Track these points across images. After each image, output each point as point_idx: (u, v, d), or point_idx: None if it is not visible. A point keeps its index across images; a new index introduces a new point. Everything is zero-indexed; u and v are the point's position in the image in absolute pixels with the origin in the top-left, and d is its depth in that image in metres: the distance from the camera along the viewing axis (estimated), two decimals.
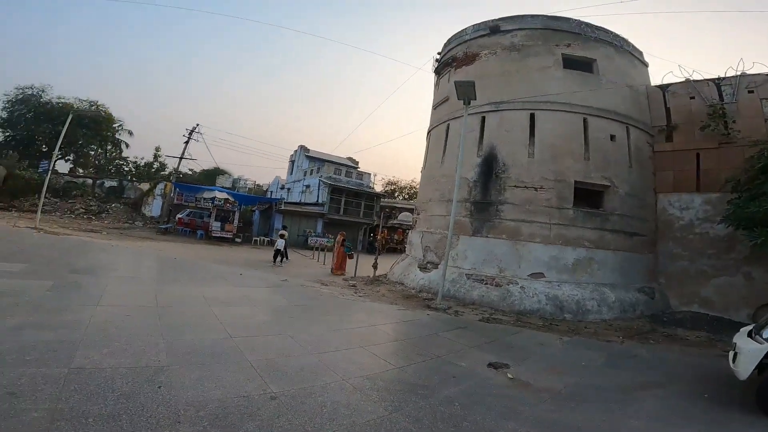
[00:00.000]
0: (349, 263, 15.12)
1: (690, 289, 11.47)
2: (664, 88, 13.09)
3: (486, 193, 11.87)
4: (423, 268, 12.76)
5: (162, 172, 41.48)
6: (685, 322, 10.24)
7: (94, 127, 37.60)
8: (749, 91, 11.54)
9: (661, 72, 57.28)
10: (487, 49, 13.47)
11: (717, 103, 11.85)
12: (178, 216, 28.28)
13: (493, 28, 13.47)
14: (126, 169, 43.44)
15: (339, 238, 15.76)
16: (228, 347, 4.77)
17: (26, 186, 29.63)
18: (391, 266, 16.09)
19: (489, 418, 3.70)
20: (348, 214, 30.65)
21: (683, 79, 12.76)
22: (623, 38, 13.19)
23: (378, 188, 39.81)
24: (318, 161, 34.19)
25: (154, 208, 32.23)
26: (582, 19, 12.81)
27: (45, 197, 30.15)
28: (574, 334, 8.54)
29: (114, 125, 40.75)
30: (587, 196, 11.52)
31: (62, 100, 36.26)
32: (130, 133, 42.11)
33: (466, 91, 10.22)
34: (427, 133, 16.25)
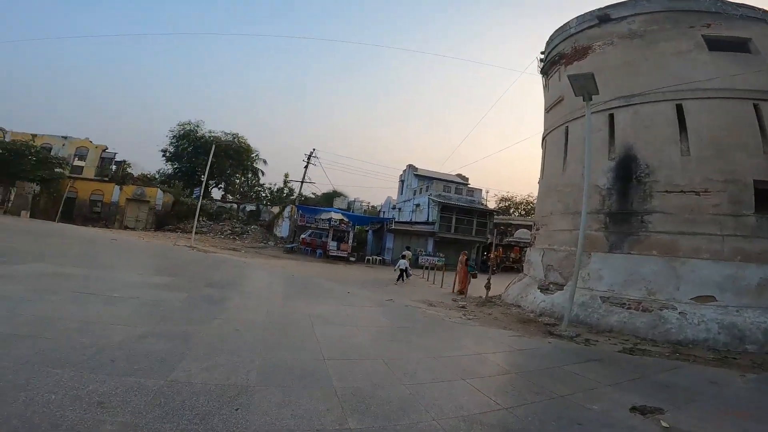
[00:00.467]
0: (447, 281, 14.16)
1: None
2: None
3: (625, 201, 9.85)
4: (544, 289, 11.10)
5: (291, 197, 46.45)
6: None
7: (237, 158, 44.10)
8: None
9: None
10: (600, 40, 11.68)
11: None
12: (302, 236, 31.04)
13: (601, 17, 11.73)
14: (263, 194, 49.89)
15: (462, 257, 15.32)
16: (318, 370, 4.47)
17: (189, 211, 35.97)
18: (507, 287, 14.57)
19: None
20: (459, 233, 29.55)
21: None
22: None
23: (491, 205, 37.81)
24: (426, 179, 34.08)
25: (283, 229, 36.03)
26: None
27: (201, 220, 36.46)
28: (762, 369, 6.40)
29: (252, 155, 47.22)
30: None
31: (212, 134, 43.22)
32: (265, 161, 48.42)
33: (585, 86, 8.66)
34: (542, 140, 14.60)
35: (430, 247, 28.66)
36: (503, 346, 6.99)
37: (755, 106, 9.16)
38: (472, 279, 14.29)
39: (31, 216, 26.47)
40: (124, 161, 39.83)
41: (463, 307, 11.61)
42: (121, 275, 9.17)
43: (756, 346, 7.58)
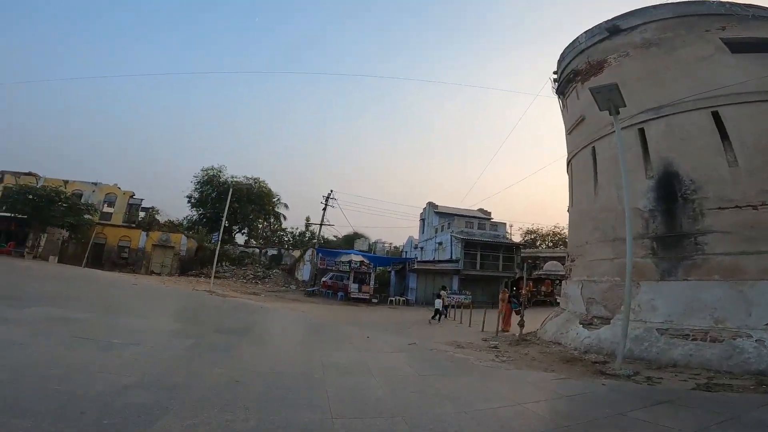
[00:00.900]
0: (475, 320, 12.97)
1: None
2: None
3: (672, 223, 8.87)
4: (587, 324, 9.90)
5: (313, 240, 46.22)
6: None
7: (258, 202, 44.29)
8: None
9: None
10: (614, 53, 11.25)
11: None
12: (323, 279, 30.38)
13: (611, 29, 11.40)
14: (285, 239, 49.78)
15: (503, 295, 15.00)
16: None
17: (212, 256, 36.24)
18: (542, 323, 13.27)
19: None
20: (485, 269, 28.25)
21: None
22: None
23: (516, 239, 36.38)
24: (448, 216, 33.35)
25: (304, 272, 35.53)
26: None
27: (224, 265, 36.58)
28: None
29: (273, 199, 47.48)
30: None
31: (235, 180, 43.26)
32: (286, 206, 48.53)
33: (610, 98, 8.02)
34: (567, 164, 13.84)
35: (455, 285, 27.37)
36: (548, 393, 5.92)
37: None
38: (516, 315, 13.12)
39: (59, 261, 27.03)
40: (153, 208, 41.03)
41: (495, 347, 10.46)
42: (128, 320, 8.69)
43: None
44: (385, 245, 58.49)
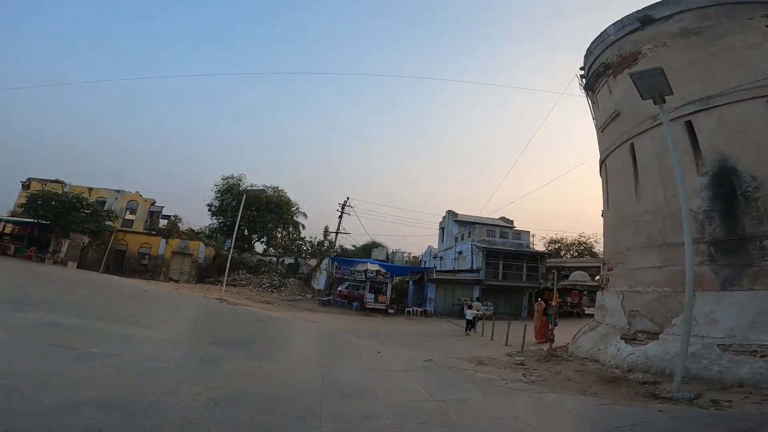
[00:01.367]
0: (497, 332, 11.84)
1: None
2: None
3: (733, 225, 7.69)
4: (630, 339, 8.69)
5: (330, 249, 45.63)
6: None
7: (277, 211, 44.03)
8: None
9: None
10: (649, 43, 10.28)
11: None
12: (339, 288, 29.59)
13: (643, 19, 10.48)
14: (304, 248, 49.42)
15: (539, 306, 14.58)
16: None
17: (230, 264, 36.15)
18: (574, 337, 12.02)
19: None
20: (507, 279, 26.81)
21: None
22: None
23: (539, 248, 34.69)
24: (468, 225, 32.12)
25: (320, 281, 34.89)
26: None
27: (241, 273, 36.48)
28: None
29: (292, 208, 47.06)
30: None
31: (254, 188, 42.16)
32: (305, 215, 48.25)
33: (654, 84, 6.98)
34: (600, 165, 12.71)
35: (476, 296, 26.03)
36: (593, 425, 4.85)
37: None
38: (550, 326, 12.05)
39: (78, 266, 27.23)
40: (175, 216, 41.45)
41: (521, 364, 9.35)
42: (120, 328, 8.05)
43: None
44: (404, 255, 57.42)
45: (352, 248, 44.55)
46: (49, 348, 5.62)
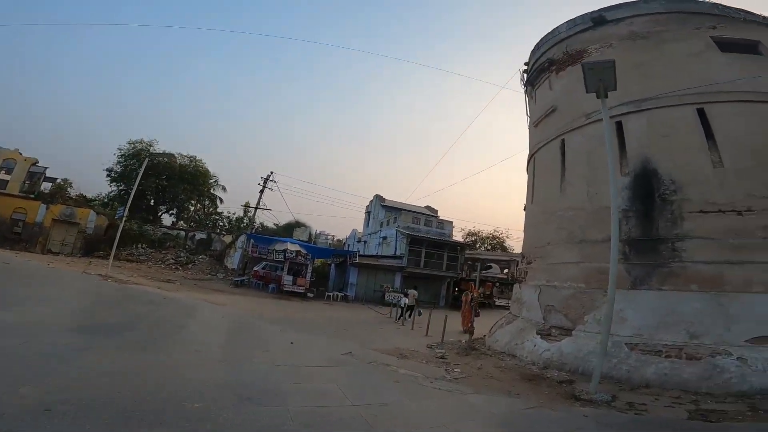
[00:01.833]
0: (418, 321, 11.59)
1: None
2: None
3: (649, 225, 7.95)
4: (546, 335, 8.77)
5: (250, 225, 42.70)
6: None
7: (192, 182, 39.64)
8: None
9: None
10: (596, 43, 10.47)
11: None
12: (255, 269, 27.49)
13: (596, 19, 10.69)
14: (221, 223, 45.64)
15: (466, 297, 14.28)
16: None
17: (125, 236, 31.61)
18: (491, 330, 12.15)
19: None
20: (429, 267, 27.19)
21: None
22: None
23: (457, 239, 36.00)
24: (394, 210, 31.96)
25: (235, 260, 32.26)
26: None
27: (141, 247, 32.33)
28: None
29: (210, 180, 42.77)
30: None
31: (161, 152, 38.69)
32: (224, 188, 44.39)
33: (603, 77, 6.84)
34: (529, 159, 12.88)
35: (397, 283, 26.01)
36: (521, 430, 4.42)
37: None
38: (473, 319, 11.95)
39: None
40: (64, 179, 35.11)
41: (442, 357, 9.02)
42: None
43: None
44: (328, 237, 56.07)
45: (274, 227, 42.08)
46: None
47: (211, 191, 44.49)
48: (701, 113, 8.15)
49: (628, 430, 4.56)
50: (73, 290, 10.68)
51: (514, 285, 12.69)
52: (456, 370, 7.62)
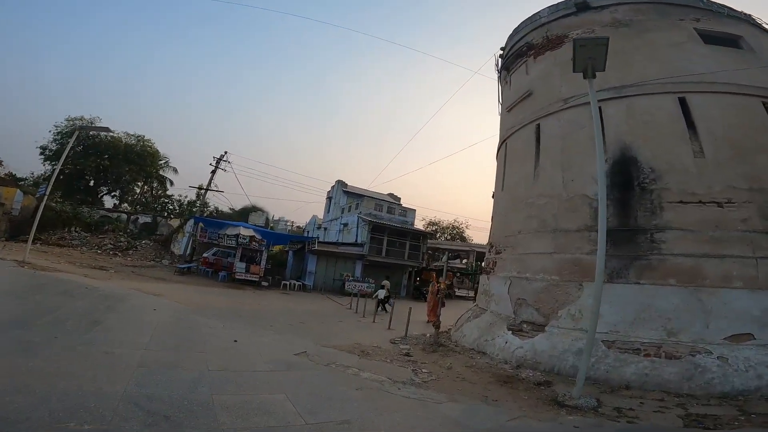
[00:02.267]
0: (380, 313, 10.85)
1: None
2: None
3: (626, 215, 7.55)
4: (517, 330, 8.26)
5: (201, 208, 40.18)
6: None
7: (139, 163, 36.67)
8: None
9: None
10: (578, 29, 10.06)
11: None
12: (204, 255, 25.50)
13: (580, 5, 10.32)
14: (170, 207, 42.70)
15: (433, 288, 14.16)
16: None
17: (56, 218, 28.41)
18: (457, 323, 11.62)
19: None
20: (391, 256, 26.51)
21: None
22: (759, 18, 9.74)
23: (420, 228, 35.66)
24: (357, 197, 30.93)
25: (183, 245, 29.92)
26: None
27: (75, 231, 29.19)
28: None
29: (160, 162, 39.88)
30: None
31: (111, 135, 35.98)
32: (175, 170, 41.40)
33: (593, 55, 6.26)
34: (500, 146, 12.37)
35: (358, 271, 25.13)
36: None
37: (764, 105, 7.66)
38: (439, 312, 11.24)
39: None
40: None
41: (407, 354, 8.27)
42: None
43: None
44: (288, 223, 54.01)
45: (230, 211, 39.64)
46: None
47: (160, 172, 41.34)
48: (682, 102, 7.87)
49: None
50: None
51: (481, 276, 12.22)
52: (424, 370, 6.89)
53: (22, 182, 32.01)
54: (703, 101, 7.76)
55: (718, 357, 6.09)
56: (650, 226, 7.25)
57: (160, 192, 43.62)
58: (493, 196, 13.06)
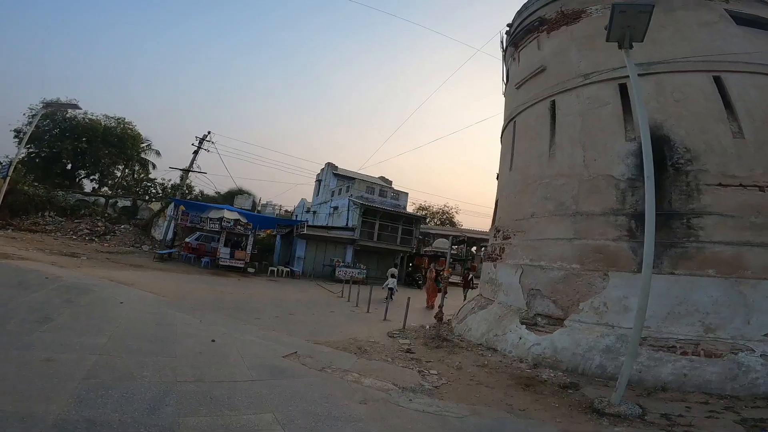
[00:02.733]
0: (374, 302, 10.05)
1: None
2: None
3: (660, 198, 6.66)
4: (531, 324, 7.48)
5: (184, 191, 38.79)
6: None
7: (119, 146, 35.43)
8: None
9: None
10: (597, 4, 9.07)
11: None
12: (186, 240, 24.26)
13: None
14: (153, 191, 41.40)
15: (431, 274, 14.51)
16: None
17: (29, 203, 26.78)
18: (458, 313, 10.87)
19: None
20: (383, 240, 25.63)
21: None
22: None
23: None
24: (347, 179, 29.80)
25: (164, 230, 28.53)
26: None
27: (49, 215, 27.60)
28: None
29: (142, 144, 38.59)
30: None
31: (90, 116, 34.48)
32: (158, 153, 40.05)
33: (633, 23, 5.38)
34: (506, 125, 11.45)
35: (349, 257, 24.24)
36: None
37: None
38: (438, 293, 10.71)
39: None
40: None
41: (409, 350, 7.46)
42: None
43: None
44: (276, 208, 52.52)
45: (216, 195, 38.13)
46: None
47: (142, 156, 39.82)
48: (717, 82, 7.06)
49: None
50: None
51: (484, 263, 11.40)
52: (432, 372, 6.05)
53: None
54: (740, 81, 6.96)
55: (761, 355, 5.42)
56: (686, 210, 6.46)
57: (142, 175, 42.32)
58: (497, 178, 12.19)
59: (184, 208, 21.53)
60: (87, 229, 27.23)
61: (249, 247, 20.96)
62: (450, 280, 29.11)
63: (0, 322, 5.30)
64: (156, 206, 32.59)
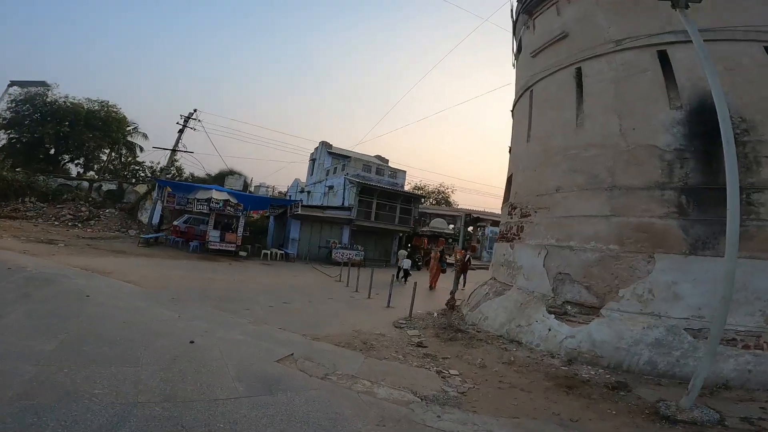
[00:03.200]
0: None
1: None
2: None
3: (713, 171, 5.84)
4: (561, 314, 6.60)
5: (172, 172, 37.51)
6: None
7: (104, 129, 34.20)
8: None
9: None
10: None
11: None
12: (174, 223, 23.07)
13: None
14: (141, 174, 40.20)
15: (435, 254, 14.67)
16: None
17: (8, 188, 25.57)
18: (469, 298, 10.02)
19: None
20: (381, 220, 24.62)
21: None
22: None
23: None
24: (342, 158, 28.51)
25: (150, 214, 27.27)
26: None
27: (30, 201, 26.30)
28: None
29: (128, 127, 37.52)
30: None
31: (71, 100, 33.25)
32: (145, 136, 38.84)
33: None
34: (521, 95, 10.36)
35: (345, 238, 23.25)
36: None
37: None
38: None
39: None
40: None
41: (420, 345, 6.57)
42: None
43: None
44: (268, 189, 51.03)
45: (206, 176, 36.71)
46: None
47: (129, 139, 38.58)
48: None
49: None
50: None
51: (497, 244, 10.45)
52: (452, 372, 5.16)
53: None
54: None
55: None
56: (745, 184, 5.50)
57: (129, 159, 41.10)
58: (510, 151, 11.15)
59: (170, 190, 20.24)
60: (70, 214, 25.98)
61: (240, 230, 19.86)
62: (448, 260, 28.36)
63: None
64: (142, 189, 31.18)
